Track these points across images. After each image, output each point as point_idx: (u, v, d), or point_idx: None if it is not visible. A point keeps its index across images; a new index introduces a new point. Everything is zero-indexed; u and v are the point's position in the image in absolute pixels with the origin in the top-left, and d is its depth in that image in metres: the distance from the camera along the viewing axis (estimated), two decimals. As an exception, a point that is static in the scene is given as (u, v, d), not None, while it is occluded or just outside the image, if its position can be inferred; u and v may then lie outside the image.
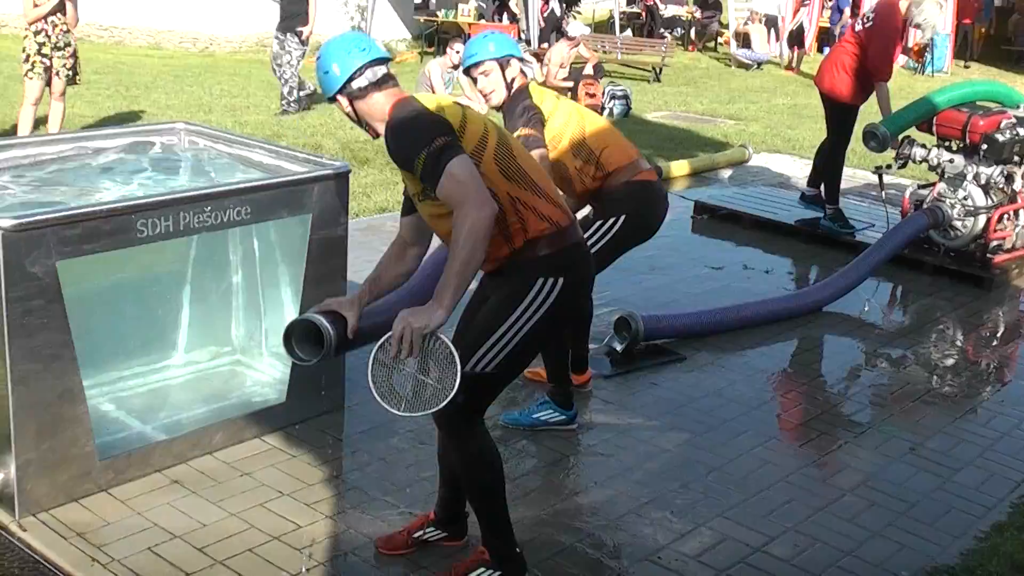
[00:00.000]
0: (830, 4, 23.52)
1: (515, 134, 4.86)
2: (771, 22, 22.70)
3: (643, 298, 6.87)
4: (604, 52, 20.48)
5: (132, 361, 4.96)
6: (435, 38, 21.44)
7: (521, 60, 5.06)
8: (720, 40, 24.91)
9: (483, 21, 20.87)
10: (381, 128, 3.58)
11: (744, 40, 22.85)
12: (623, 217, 5.08)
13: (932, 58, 21.31)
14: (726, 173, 11.21)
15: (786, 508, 4.54)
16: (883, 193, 8.18)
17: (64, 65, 10.02)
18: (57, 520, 4.07)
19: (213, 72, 17.15)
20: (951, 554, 4.27)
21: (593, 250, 4.95)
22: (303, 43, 13.58)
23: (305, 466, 4.61)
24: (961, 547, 4.32)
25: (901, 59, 21.55)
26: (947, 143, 8.08)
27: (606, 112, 14.01)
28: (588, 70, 13.73)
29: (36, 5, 9.82)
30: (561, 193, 4.91)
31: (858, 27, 8.40)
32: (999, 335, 7.06)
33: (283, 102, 13.59)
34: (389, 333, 3.30)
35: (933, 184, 8.15)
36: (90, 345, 4.40)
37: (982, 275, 7.75)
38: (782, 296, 7.08)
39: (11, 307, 3.84)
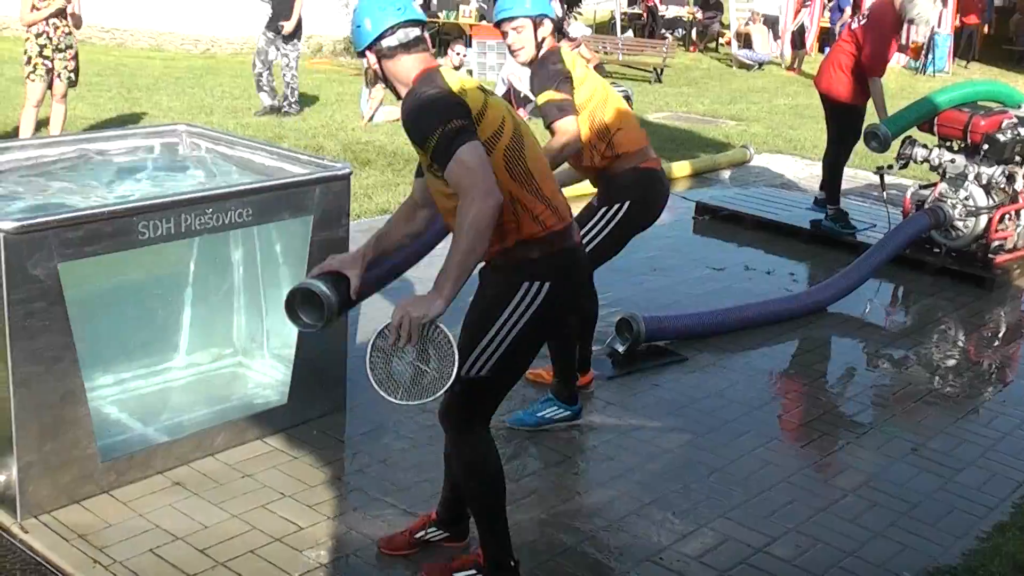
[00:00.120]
0: (831, 4, 23.51)
1: (543, 96, 4.84)
2: (771, 22, 22.69)
3: (645, 299, 6.87)
4: (605, 53, 20.49)
5: (134, 363, 4.96)
6: (437, 39, 21.43)
7: (554, 21, 5.01)
8: (721, 41, 24.92)
9: (485, 22, 20.84)
10: (404, 92, 3.54)
11: (745, 40, 22.85)
12: (627, 203, 5.05)
13: (933, 58, 21.30)
14: (727, 174, 11.21)
15: (788, 509, 4.54)
16: (884, 193, 8.17)
17: (65, 67, 10.03)
18: (59, 522, 4.07)
19: (215, 74, 17.15)
20: (953, 554, 4.27)
21: (600, 236, 5.02)
22: (297, 40, 13.53)
23: (307, 468, 4.61)
24: (963, 547, 4.32)
25: (903, 59, 21.57)
26: (948, 143, 8.08)
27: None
28: (589, 71, 13.71)
29: (35, 8, 9.83)
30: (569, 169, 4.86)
31: (854, 25, 8.41)
32: (1001, 335, 7.06)
33: (285, 102, 13.58)
34: (388, 321, 3.30)
35: (934, 184, 8.15)
36: (92, 347, 4.41)
37: (984, 275, 7.75)
38: (784, 297, 7.08)
39: (13, 309, 3.84)
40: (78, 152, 5.27)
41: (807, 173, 11.13)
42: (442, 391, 3.30)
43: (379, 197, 9.00)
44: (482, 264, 3.56)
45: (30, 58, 9.91)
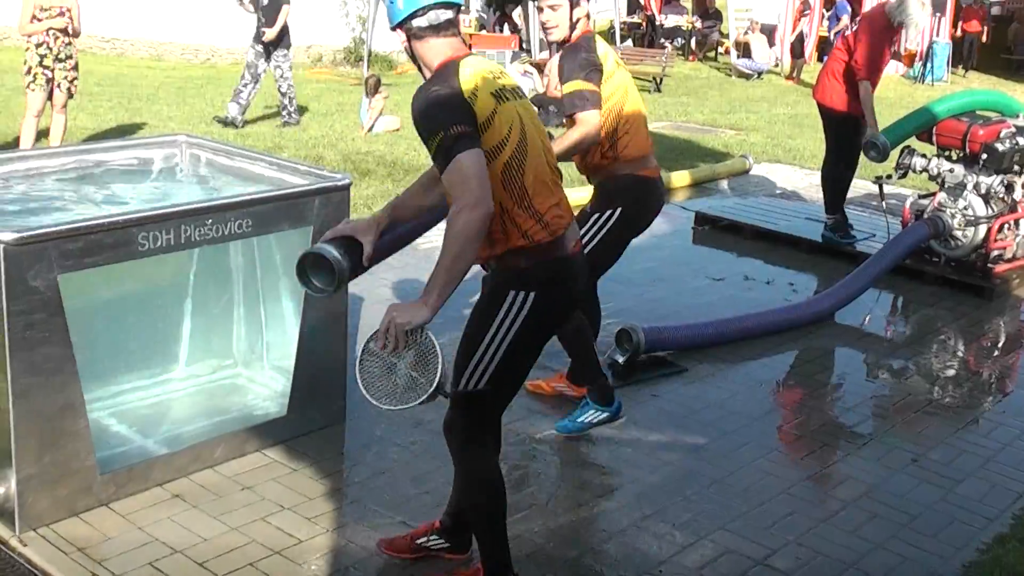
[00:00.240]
0: (829, 13, 23.56)
1: (571, 84, 4.82)
2: (768, 30, 22.73)
3: (644, 310, 6.86)
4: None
5: (133, 374, 4.96)
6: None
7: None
8: (720, 50, 24.95)
9: (484, 32, 20.92)
10: (427, 75, 3.55)
11: (744, 50, 22.87)
12: (619, 209, 5.05)
13: (932, 67, 21.33)
14: (727, 184, 11.21)
15: (788, 520, 4.53)
16: (884, 203, 8.18)
17: (66, 77, 10.04)
18: (58, 535, 4.06)
19: (215, 84, 17.15)
20: (953, 566, 4.26)
21: (593, 243, 5.00)
22: (285, 49, 13.41)
23: (306, 480, 4.61)
24: (963, 559, 4.32)
25: (900, 68, 21.59)
26: (947, 153, 8.09)
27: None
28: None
29: (35, 19, 9.84)
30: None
31: (847, 33, 8.42)
32: (1000, 345, 7.05)
33: (284, 112, 13.55)
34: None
35: (933, 194, 8.15)
36: (91, 358, 4.41)
37: (983, 285, 7.75)
38: (783, 307, 7.08)
39: (12, 321, 3.84)
40: (78, 163, 5.27)
41: (806, 183, 11.14)
42: (423, 398, 3.31)
43: (379, 207, 8.94)
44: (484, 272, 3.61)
45: (30, 68, 9.92)
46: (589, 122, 4.82)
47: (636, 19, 26.23)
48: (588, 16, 4.99)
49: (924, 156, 8.10)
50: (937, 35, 21.56)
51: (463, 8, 3.66)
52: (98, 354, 4.59)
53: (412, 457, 4.86)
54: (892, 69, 20.44)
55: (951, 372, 6.48)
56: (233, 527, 4.20)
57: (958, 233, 7.85)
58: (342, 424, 5.09)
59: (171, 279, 5.01)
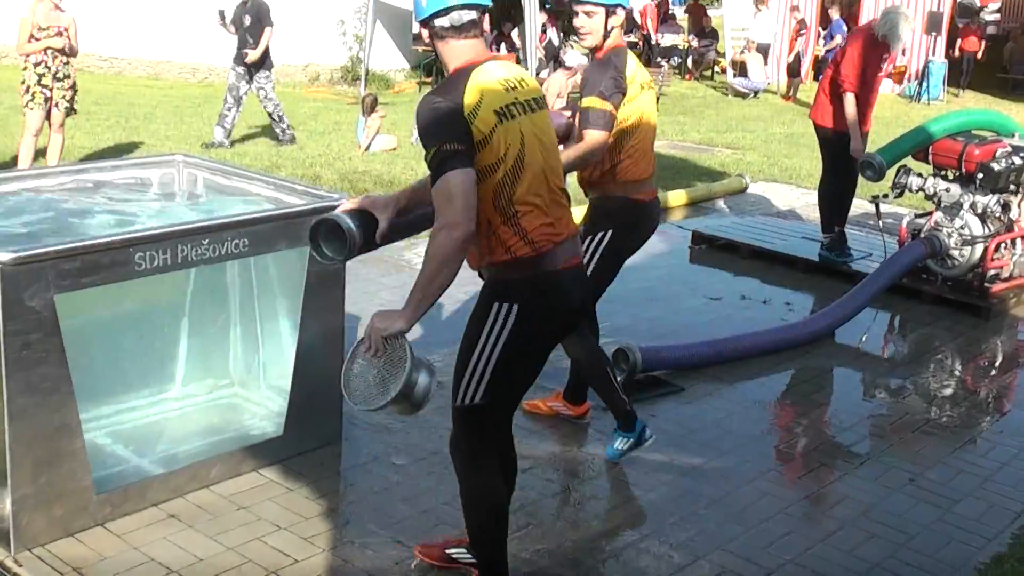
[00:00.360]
0: (825, 32, 23.62)
1: (590, 100, 4.77)
2: (763, 50, 22.79)
3: (641, 329, 6.86)
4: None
5: (130, 394, 4.95)
6: (433, 68, 21.49)
7: (627, 10, 4.96)
8: (716, 69, 25.01)
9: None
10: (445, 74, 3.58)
11: (741, 69, 22.92)
12: (611, 231, 5.03)
13: (928, 86, 21.39)
14: (724, 203, 11.23)
15: (785, 540, 4.53)
16: (880, 222, 8.20)
17: (64, 96, 10.07)
18: (53, 555, 4.05)
19: (212, 102, 17.14)
20: (951, 586, 4.26)
21: (590, 267, 4.94)
22: (265, 69, 13.24)
23: (302, 499, 4.60)
24: (961, 579, 4.31)
25: (896, 87, 21.65)
26: (943, 172, 8.11)
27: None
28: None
29: (34, 39, 9.87)
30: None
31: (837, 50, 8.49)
32: (998, 364, 7.06)
33: (279, 132, 13.48)
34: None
35: (930, 213, 8.17)
36: (88, 378, 4.40)
37: (980, 304, 7.75)
38: (780, 326, 7.08)
39: (9, 341, 3.84)
40: (75, 182, 5.28)
41: (803, 202, 11.16)
42: (383, 403, 3.39)
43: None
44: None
45: (29, 87, 9.94)
46: (596, 143, 4.79)
47: (632, 38, 26.28)
48: (622, 26, 4.95)
49: (920, 175, 8.12)
50: (933, 54, 21.62)
51: (487, 9, 3.64)
52: (95, 374, 4.58)
53: (408, 477, 4.85)
54: (888, 88, 20.49)
55: (948, 391, 6.48)
56: (229, 547, 4.19)
57: (955, 252, 7.86)
58: (338, 444, 5.09)
59: (168, 299, 5.00)
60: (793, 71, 22.23)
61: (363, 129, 13.32)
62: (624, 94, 4.86)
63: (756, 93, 22.06)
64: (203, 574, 3.99)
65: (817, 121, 8.47)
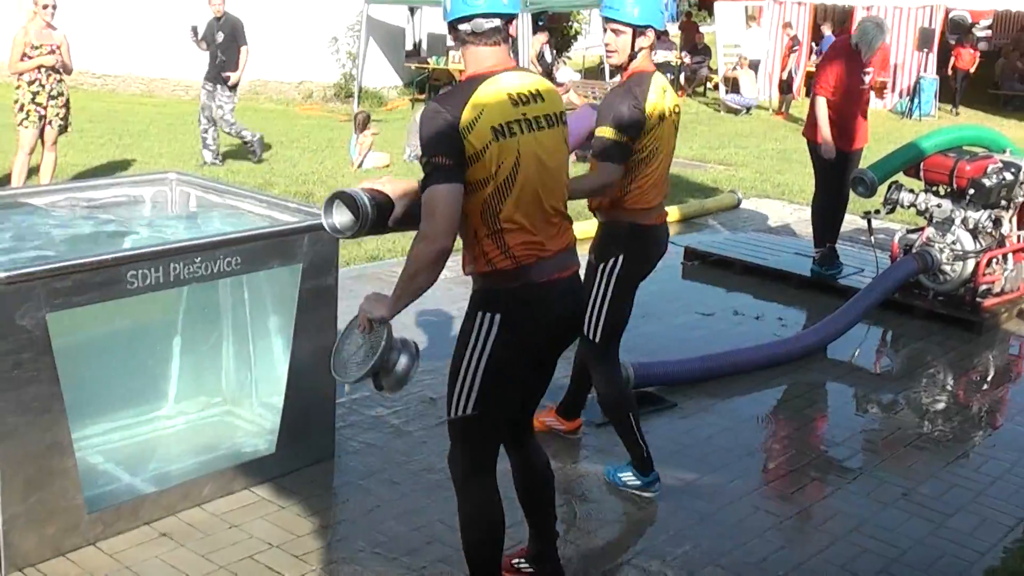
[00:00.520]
0: (817, 48, 23.70)
1: (605, 129, 4.66)
2: (755, 66, 22.87)
3: (633, 345, 6.82)
4: (594, 98, 20.59)
5: (122, 412, 4.94)
6: (426, 85, 21.55)
7: (658, 31, 4.79)
8: (709, 85, 25.08)
9: (474, 68, 20.96)
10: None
11: (733, 85, 22.99)
12: (620, 258, 4.89)
13: (919, 102, 21.44)
14: (716, 219, 11.25)
15: (778, 555, 4.53)
16: (872, 238, 8.22)
17: (57, 114, 10.08)
18: (44, 575, 4.03)
19: (205, 120, 17.20)
20: (944, 601, 4.26)
21: (608, 298, 4.88)
22: (232, 89, 13.10)
23: (294, 517, 4.59)
24: (954, 594, 4.32)
25: (889, 103, 21.71)
26: (935, 188, 8.13)
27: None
28: (578, 116, 13.76)
29: (25, 57, 9.89)
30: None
31: None
32: (990, 379, 7.07)
33: (248, 149, 13.26)
34: None
35: (922, 229, 8.19)
36: (80, 397, 4.39)
37: (972, 319, 7.77)
38: (773, 342, 7.08)
39: (0, 360, 3.83)
40: (68, 200, 5.28)
41: (795, 217, 11.17)
42: (355, 376, 3.56)
43: (369, 244, 8.98)
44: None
45: (23, 105, 9.96)
46: (609, 177, 4.70)
47: (625, 55, 26.35)
48: (652, 47, 4.82)
49: (912, 191, 8.14)
50: (924, 71, 21.68)
51: (513, 19, 3.63)
52: (86, 392, 4.58)
53: (400, 494, 4.84)
54: (879, 104, 20.55)
55: (941, 406, 6.49)
56: (221, 565, 4.18)
57: (947, 267, 7.88)
58: (331, 461, 5.08)
59: (160, 317, 5.01)
60: (785, 87, 22.29)
61: (355, 146, 13.34)
62: (642, 126, 4.70)
63: (748, 109, 22.11)
64: (195, 593, 3.99)
65: (809, 137, 8.51)
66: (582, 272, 4.64)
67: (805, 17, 23.09)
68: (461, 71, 17.52)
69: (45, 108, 10.00)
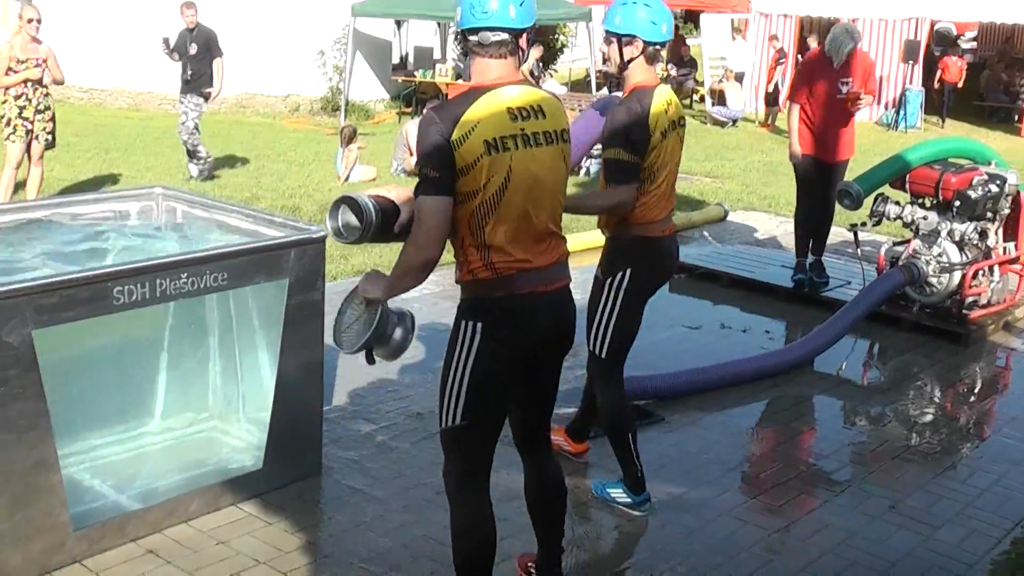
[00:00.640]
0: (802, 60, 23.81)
1: (612, 152, 4.62)
2: (740, 78, 22.96)
3: (622, 358, 6.85)
4: (581, 111, 20.62)
5: (108, 428, 4.93)
6: (413, 98, 21.57)
7: (648, 43, 4.70)
8: (695, 97, 25.14)
9: (461, 81, 21.01)
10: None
11: (719, 98, 23.06)
12: (628, 271, 4.82)
13: (905, 114, 21.53)
14: (703, 232, 11.26)
15: (766, 569, 4.52)
16: (859, 250, 8.24)
17: (44, 129, 10.08)
18: (30, 593, 4.02)
19: (192, 134, 17.19)
20: (932, 614, 4.26)
21: (616, 312, 4.83)
22: (204, 100, 12.98)
23: (281, 533, 4.57)
24: (942, 607, 4.32)
25: (875, 115, 21.79)
26: (920, 200, 8.16)
27: (582, 171, 14.11)
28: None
29: (11, 71, 9.88)
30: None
31: None
32: (977, 391, 7.08)
33: (200, 163, 13.02)
34: None
35: (908, 241, 8.21)
36: (66, 413, 4.38)
37: (959, 331, 7.79)
38: (760, 355, 7.09)
39: (-15, 377, 3.82)
40: (54, 216, 5.26)
41: (782, 230, 11.19)
42: (349, 346, 3.71)
43: (355, 259, 8.98)
44: None
45: (9, 120, 9.95)
46: (623, 195, 4.66)
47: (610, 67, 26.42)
48: (653, 60, 4.75)
49: (898, 203, 8.17)
50: (910, 83, 21.77)
51: (523, 33, 3.63)
52: (73, 409, 4.56)
53: (388, 510, 4.83)
54: (865, 115, 20.63)
55: (928, 418, 6.50)
56: (208, 583, 4.17)
57: (933, 280, 7.90)
58: (318, 477, 5.07)
59: (147, 333, 4.99)
60: (771, 100, 22.37)
61: (342, 160, 13.34)
62: (647, 143, 4.66)
63: (735, 121, 22.19)
64: (182, 610, 3.97)
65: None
66: (587, 287, 4.66)
67: (791, 29, 23.18)
68: (448, 84, 17.56)
69: (32, 122, 9.99)
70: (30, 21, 9.96)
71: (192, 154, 13.00)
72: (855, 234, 8.19)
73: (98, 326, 4.38)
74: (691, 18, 30.24)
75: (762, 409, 6.46)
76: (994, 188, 7.86)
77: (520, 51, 3.58)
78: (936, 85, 23.32)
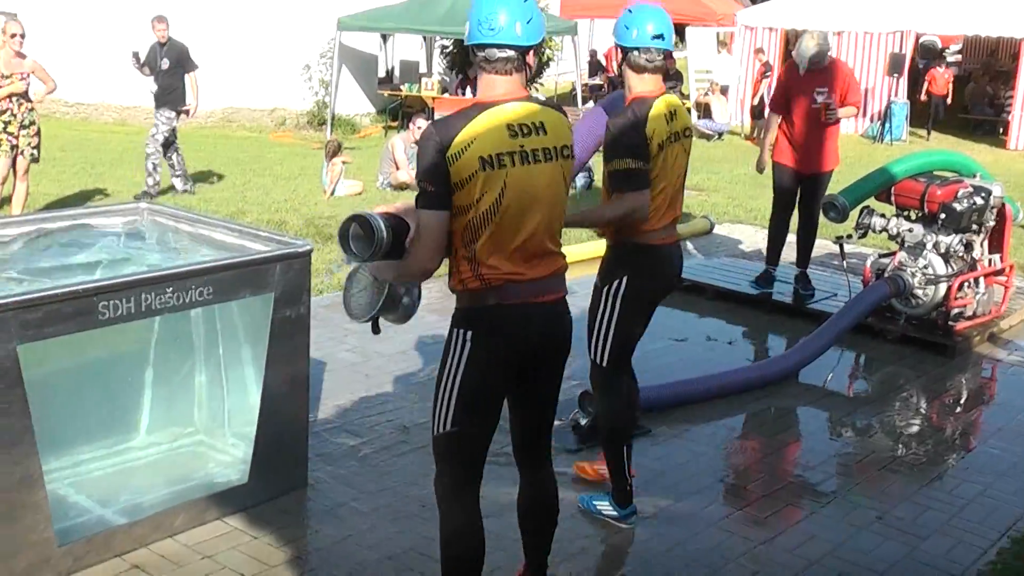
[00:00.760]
0: (789, 75, 23.88)
1: (618, 163, 4.61)
2: (725, 91, 23.05)
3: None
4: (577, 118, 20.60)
5: (93, 443, 4.91)
6: (399, 112, 21.58)
7: (629, 51, 4.70)
8: (682, 111, 25.19)
9: (447, 95, 21.05)
10: None
11: (705, 111, 23.13)
12: (624, 279, 4.81)
13: (891, 127, 21.61)
14: (689, 244, 11.28)
15: (754, 582, 4.53)
16: (844, 263, 8.27)
17: (29, 143, 10.06)
18: (14, 609, 4.00)
19: (178, 148, 17.16)
20: (919, 625, 4.26)
21: (615, 319, 4.81)
22: (176, 114, 12.82)
23: (267, 547, 4.56)
24: (929, 618, 4.32)
25: (861, 127, 21.88)
26: (906, 212, 8.19)
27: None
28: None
29: (-4, 86, 9.88)
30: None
31: None
32: (963, 402, 7.10)
33: (150, 182, 12.71)
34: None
35: (894, 253, 8.24)
36: (51, 428, 4.36)
37: (945, 343, 7.81)
38: (746, 367, 7.11)
39: (-31, 392, 3.80)
40: (39, 231, 5.25)
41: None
42: (360, 316, 3.84)
43: (342, 273, 8.99)
44: None
45: (-7, 135, 9.93)
46: (636, 202, 4.63)
47: (598, 80, 26.51)
48: (654, 71, 4.74)
49: (883, 216, 8.20)
50: (895, 95, 21.86)
51: (530, 50, 3.63)
52: (58, 424, 4.54)
53: (374, 524, 4.82)
54: (851, 128, 20.70)
55: (914, 429, 6.51)
56: (193, 598, 4.15)
57: (919, 292, 7.92)
58: (304, 490, 5.06)
59: (132, 347, 4.98)
60: (757, 113, 22.44)
61: (327, 174, 13.33)
62: (647, 147, 4.65)
63: (720, 135, 22.25)
64: (167, 625, 3.95)
65: (774, 158, 8.66)
66: (587, 297, 4.65)
67: (777, 43, 23.27)
68: (434, 98, 17.51)
69: (17, 137, 9.97)
70: (13, 36, 9.95)
71: (148, 170, 12.75)
72: (841, 246, 8.21)
73: (83, 341, 4.37)
74: (677, 31, 30.33)
75: (748, 421, 6.47)
76: (979, 200, 7.89)
77: (527, 67, 3.60)
78: (923, 98, 23.42)
